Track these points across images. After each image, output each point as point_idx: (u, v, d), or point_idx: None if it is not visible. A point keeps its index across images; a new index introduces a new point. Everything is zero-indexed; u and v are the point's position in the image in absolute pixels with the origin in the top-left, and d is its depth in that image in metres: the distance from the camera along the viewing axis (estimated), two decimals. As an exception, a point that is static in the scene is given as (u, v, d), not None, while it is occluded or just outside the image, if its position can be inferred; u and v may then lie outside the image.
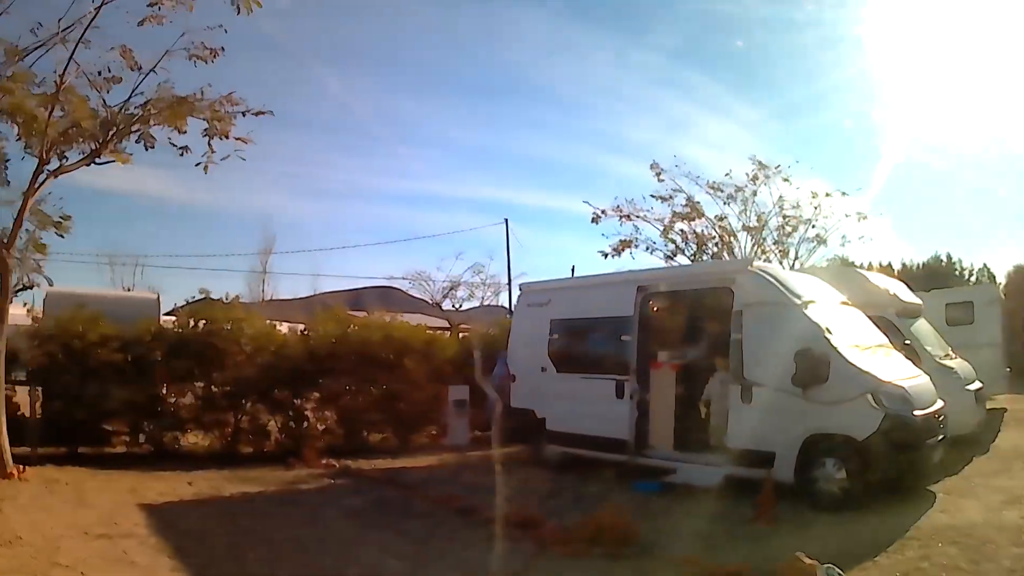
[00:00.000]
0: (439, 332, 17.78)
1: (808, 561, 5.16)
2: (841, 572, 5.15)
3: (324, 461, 11.63)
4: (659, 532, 6.66)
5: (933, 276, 26.11)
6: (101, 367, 11.82)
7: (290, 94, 53.63)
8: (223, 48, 9.75)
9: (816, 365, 7.63)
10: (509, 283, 33.73)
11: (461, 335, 17.50)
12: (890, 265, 26.18)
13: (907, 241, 63.39)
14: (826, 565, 5.14)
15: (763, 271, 9.04)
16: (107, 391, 11.69)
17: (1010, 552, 5.74)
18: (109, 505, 8.62)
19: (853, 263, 21.29)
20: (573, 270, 34.49)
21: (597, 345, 10.82)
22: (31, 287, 26.55)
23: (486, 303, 34.89)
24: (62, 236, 12.09)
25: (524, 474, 10.20)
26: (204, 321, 12.95)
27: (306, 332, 14.13)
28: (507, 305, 32.90)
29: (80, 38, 9.23)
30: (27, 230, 11.09)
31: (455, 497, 8.63)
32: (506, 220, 35.64)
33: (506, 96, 69.94)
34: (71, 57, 9.45)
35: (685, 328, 10.59)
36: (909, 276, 24.44)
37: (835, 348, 7.72)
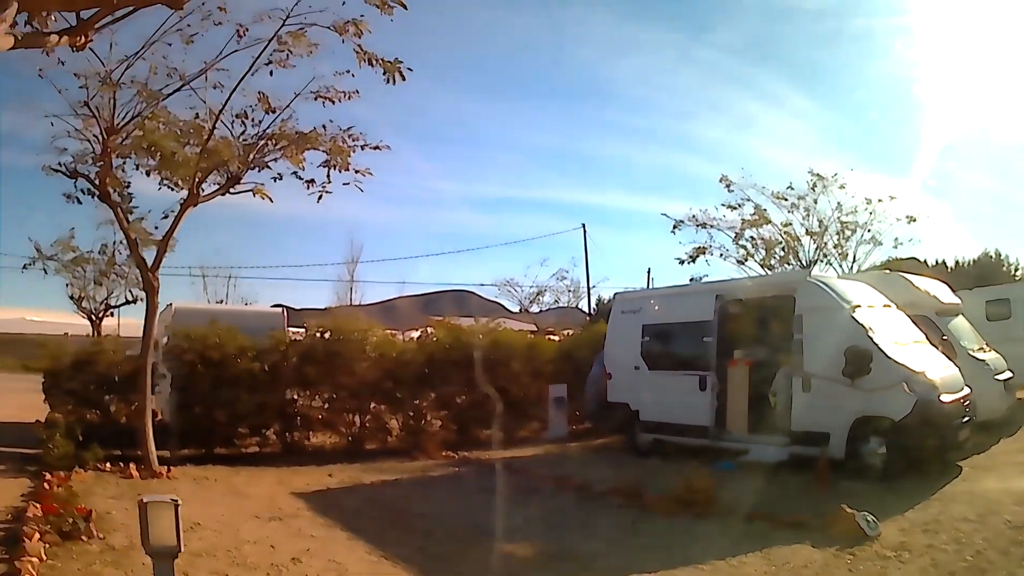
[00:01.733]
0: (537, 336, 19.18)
1: (849, 511, 6.86)
2: (875, 518, 6.82)
3: (444, 453, 13.25)
4: (736, 497, 8.24)
5: (984, 273, 26.38)
6: (238, 375, 13.01)
7: (365, 100, 55.83)
8: (357, 91, 10.64)
9: (861, 359, 9.21)
10: (588, 288, 34.09)
11: (554, 338, 19.11)
12: (943, 263, 26.91)
13: (968, 234, 61.94)
14: (863, 512, 6.83)
15: (819, 281, 10.63)
16: (242, 397, 12.84)
17: (1011, 509, 7.26)
18: (264, 495, 9.78)
19: (916, 259, 22.41)
20: (649, 273, 35.80)
21: (682, 346, 12.38)
22: (134, 301, 29.07)
23: (568, 306, 35.89)
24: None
25: (620, 459, 12.06)
26: (330, 332, 14.26)
27: (423, 339, 15.72)
28: (585, 309, 33.49)
29: (238, 88, 10.53)
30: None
31: (568, 476, 10.43)
32: (583, 226, 35.43)
33: (574, 97, 71.46)
34: (224, 106, 10.84)
35: (756, 330, 12.03)
36: (961, 273, 24.99)
37: (876, 345, 9.29)
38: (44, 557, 6.61)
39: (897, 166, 65.03)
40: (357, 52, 6.34)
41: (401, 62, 6.23)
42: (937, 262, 26.59)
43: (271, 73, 10.05)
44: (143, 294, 20.14)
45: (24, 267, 29.19)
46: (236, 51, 9.93)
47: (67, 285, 32.11)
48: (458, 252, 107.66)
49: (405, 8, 5.60)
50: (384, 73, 6.27)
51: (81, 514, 7.58)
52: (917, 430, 8.74)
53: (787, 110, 59.76)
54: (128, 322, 33.82)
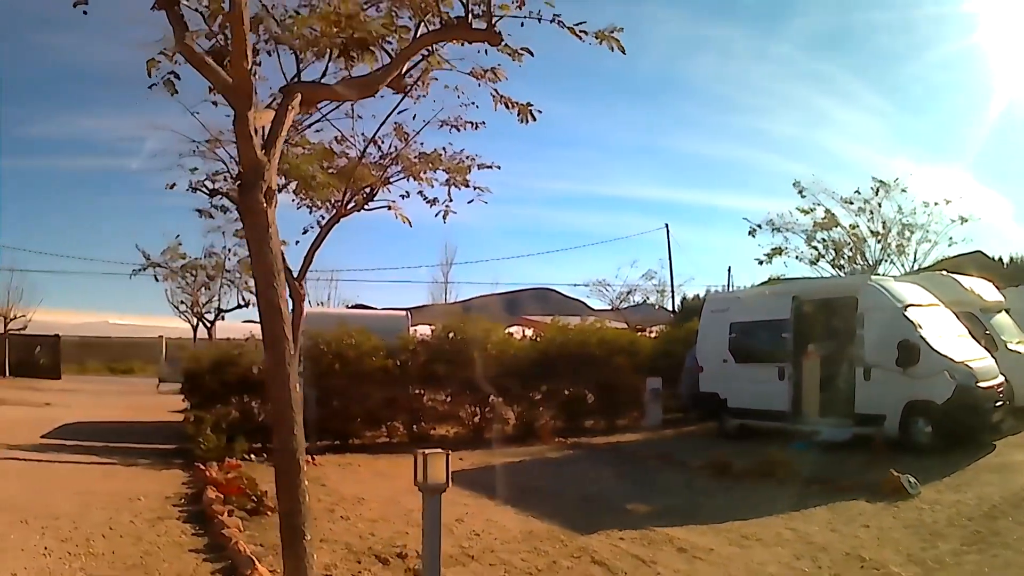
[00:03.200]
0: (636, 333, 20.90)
1: (896, 474, 8.85)
2: (917, 480, 8.80)
3: (556, 439, 14.98)
4: (808, 469, 10.17)
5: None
6: (371, 372, 14.07)
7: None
8: (484, 122, 10.97)
9: (911, 351, 11.07)
10: (672, 287, 34.96)
11: (651, 334, 20.93)
12: (1000, 259, 27.71)
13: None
14: (906, 476, 8.81)
15: (877, 283, 12.47)
16: (375, 392, 13.91)
17: (1030, 475, 9.25)
18: (405, 477, 10.39)
19: (981, 252, 23.65)
20: (729, 271, 37.21)
21: (764, 341, 14.15)
22: (246, 305, 31.03)
23: (653, 304, 36.75)
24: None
25: (710, 441, 14.03)
26: (454, 332, 15.73)
27: (535, 338, 17.65)
28: (669, 307, 34.35)
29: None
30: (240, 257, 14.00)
31: (668, 455, 12.55)
32: (667, 225, 36.13)
33: (650, 94, 72.38)
34: (374, 136, 11.27)
35: (825, 326, 13.88)
36: (1017, 269, 25.82)
37: (923, 339, 11.14)
38: (242, 528, 7.57)
39: (962, 161, 64.29)
40: (493, 96, 6.17)
41: (532, 104, 6.15)
42: (993, 259, 27.40)
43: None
44: (255, 298, 22.04)
45: (132, 273, 30.77)
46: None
47: (165, 291, 33.35)
48: (549, 253, 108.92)
49: (531, 55, 5.54)
50: (519, 115, 6.18)
51: (260, 494, 8.62)
52: (957, 412, 10.60)
53: (858, 104, 59.99)
54: (227, 325, 34.91)
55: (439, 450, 5.00)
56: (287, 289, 5.55)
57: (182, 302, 34.06)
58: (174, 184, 12.42)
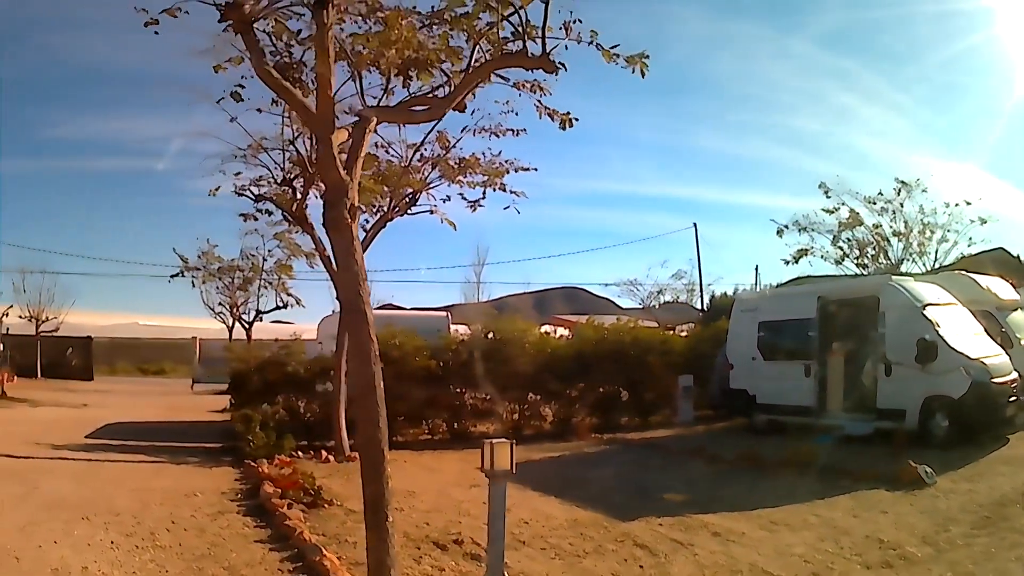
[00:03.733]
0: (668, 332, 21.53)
1: (914, 465, 9.54)
2: (932, 471, 9.49)
3: (593, 435, 15.45)
4: (832, 460, 10.84)
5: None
6: (415, 371, 14.32)
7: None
8: (525, 129, 11.68)
9: (929, 348, 11.70)
10: (701, 286, 35.29)
11: (682, 333, 21.61)
12: (1018, 257, 28.04)
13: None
14: (923, 466, 9.49)
15: (898, 283, 13.08)
16: (417, 390, 14.08)
17: (1037, 467, 9.91)
18: (454, 470, 11.58)
19: (1003, 249, 24.09)
20: (757, 269, 37.57)
21: (790, 339, 14.87)
22: (285, 307, 31.62)
23: (682, 303, 36.88)
24: (311, 266, 15.86)
25: (740, 436, 14.68)
26: (493, 332, 16.38)
27: (570, 338, 18.23)
28: (698, 306, 34.70)
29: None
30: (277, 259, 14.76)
31: (700, 449, 13.24)
32: (695, 225, 36.06)
33: (675, 93, 72.41)
34: (420, 145, 12.51)
35: (848, 325, 14.50)
36: None
37: (941, 336, 11.76)
38: (303, 519, 7.93)
39: (981, 156, 63.86)
40: (537, 106, 6.33)
41: (569, 113, 6.29)
42: (1013, 255, 27.69)
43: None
44: (292, 300, 24.60)
45: (171, 277, 30.65)
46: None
47: (200, 292, 33.16)
48: (579, 253, 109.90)
49: (566, 70, 5.64)
50: (560, 124, 6.28)
51: (317, 488, 9.07)
52: (972, 406, 11.24)
53: (881, 100, 59.80)
54: (259, 326, 34.20)
55: (504, 439, 5.54)
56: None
57: (220, 304, 34.31)
58: (218, 188, 13.55)
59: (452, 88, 6.35)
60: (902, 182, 22.02)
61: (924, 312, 12.17)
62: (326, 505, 8.82)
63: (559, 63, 5.62)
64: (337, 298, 13.91)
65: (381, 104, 8.25)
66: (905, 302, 12.50)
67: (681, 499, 9.58)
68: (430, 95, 6.72)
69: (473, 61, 6.04)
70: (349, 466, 11.83)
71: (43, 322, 37.59)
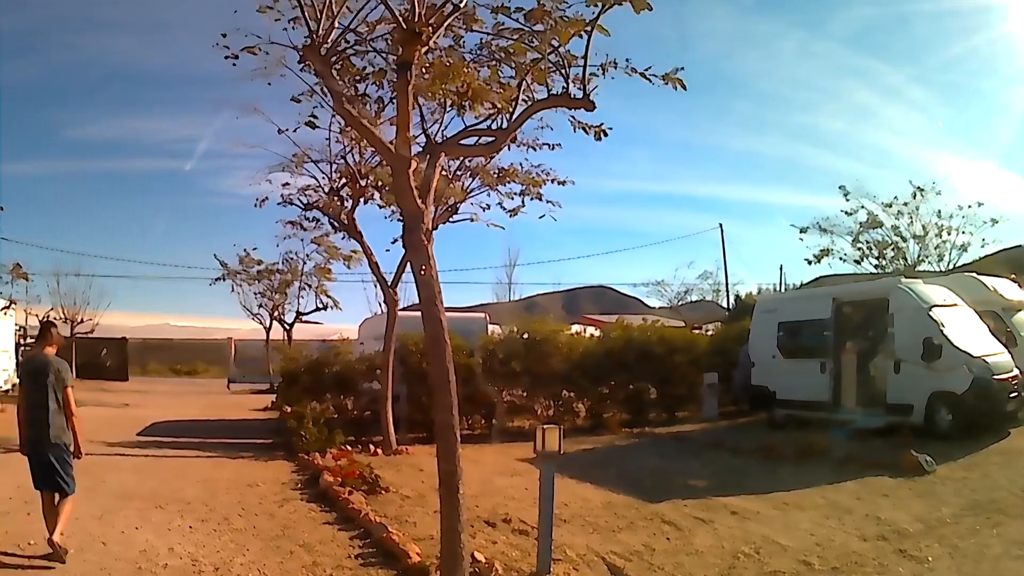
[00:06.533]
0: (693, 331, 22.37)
1: (915, 454, 10.54)
2: (933, 460, 10.47)
3: (622, 429, 16.37)
4: (842, 451, 11.84)
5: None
6: (455, 369, 15.59)
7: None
8: (560, 144, 12.44)
9: (934, 347, 12.54)
10: (727, 286, 35.59)
11: (708, 332, 22.45)
12: None
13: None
14: (924, 455, 10.49)
15: (907, 286, 13.91)
16: (457, 389, 15.05)
17: (1032, 459, 10.85)
18: (494, 461, 12.23)
19: (1021, 246, 24.71)
20: (781, 269, 38.14)
21: (807, 338, 15.57)
22: (324, 308, 32.70)
23: (708, 302, 37.36)
24: (348, 267, 16.48)
25: (760, 430, 15.50)
26: (528, 332, 16.93)
27: (600, 337, 19.01)
28: (724, 305, 35.21)
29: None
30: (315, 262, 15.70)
31: (723, 441, 14.27)
32: (720, 225, 36.28)
33: (701, 92, 72.58)
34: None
35: (861, 325, 15.41)
36: None
37: (945, 336, 12.59)
38: (365, 503, 8.55)
39: (997, 153, 63.57)
40: (572, 121, 6.51)
41: (602, 124, 6.49)
42: None
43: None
44: (330, 301, 25.68)
45: (213, 281, 32.87)
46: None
47: (238, 295, 34.71)
48: (608, 253, 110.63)
49: (594, 107, 5.93)
50: (594, 136, 6.45)
51: (375, 477, 9.70)
52: (974, 402, 12.08)
53: (901, 98, 59.97)
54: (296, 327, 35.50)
55: (554, 425, 6.51)
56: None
57: (261, 306, 35.33)
58: (265, 199, 14.65)
59: (507, 118, 6.81)
60: (917, 187, 22.88)
61: (930, 313, 12.99)
62: (383, 492, 9.58)
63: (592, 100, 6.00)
64: (384, 302, 15.50)
65: (437, 133, 9.01)
66: (913, 304, 13.33)
67: (704, 484, 10.62)
68: (480, 125, 7.30)
69: (521, 93, 6.55)
70: (397, 459, 12.63)
71: (78, 324, 38.29)
